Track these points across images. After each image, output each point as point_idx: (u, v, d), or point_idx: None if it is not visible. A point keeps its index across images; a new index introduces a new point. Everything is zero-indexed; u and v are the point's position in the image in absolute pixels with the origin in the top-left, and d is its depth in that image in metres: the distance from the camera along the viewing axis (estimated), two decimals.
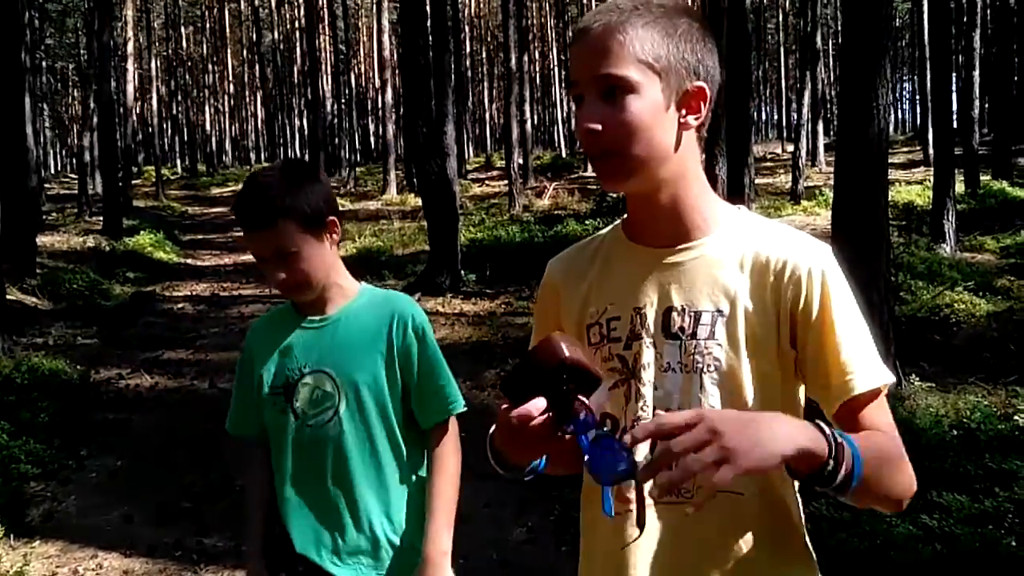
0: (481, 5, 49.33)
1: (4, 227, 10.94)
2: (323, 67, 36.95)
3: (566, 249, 1.46)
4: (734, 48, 12.59)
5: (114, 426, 6.46)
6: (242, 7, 49.01)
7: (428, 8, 11.90)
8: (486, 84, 51.46)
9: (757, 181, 18.01)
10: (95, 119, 23.22)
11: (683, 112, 1.25)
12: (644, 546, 1.27)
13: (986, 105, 25.59)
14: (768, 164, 28.10)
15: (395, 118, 29.41)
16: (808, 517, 1.35)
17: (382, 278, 11.93)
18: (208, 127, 54.51)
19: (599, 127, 1.21)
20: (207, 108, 54.87)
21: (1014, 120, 20.35)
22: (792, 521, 1.28)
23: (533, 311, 1.51)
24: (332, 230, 1.89)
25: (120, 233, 16.97)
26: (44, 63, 34.66)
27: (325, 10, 35.41)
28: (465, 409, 1.96)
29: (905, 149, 29.43)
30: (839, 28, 22.64)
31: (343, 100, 46.95)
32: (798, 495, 1.31)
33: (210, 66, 53.37)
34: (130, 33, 30.34)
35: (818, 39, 23.01)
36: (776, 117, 54.70)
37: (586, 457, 1.14)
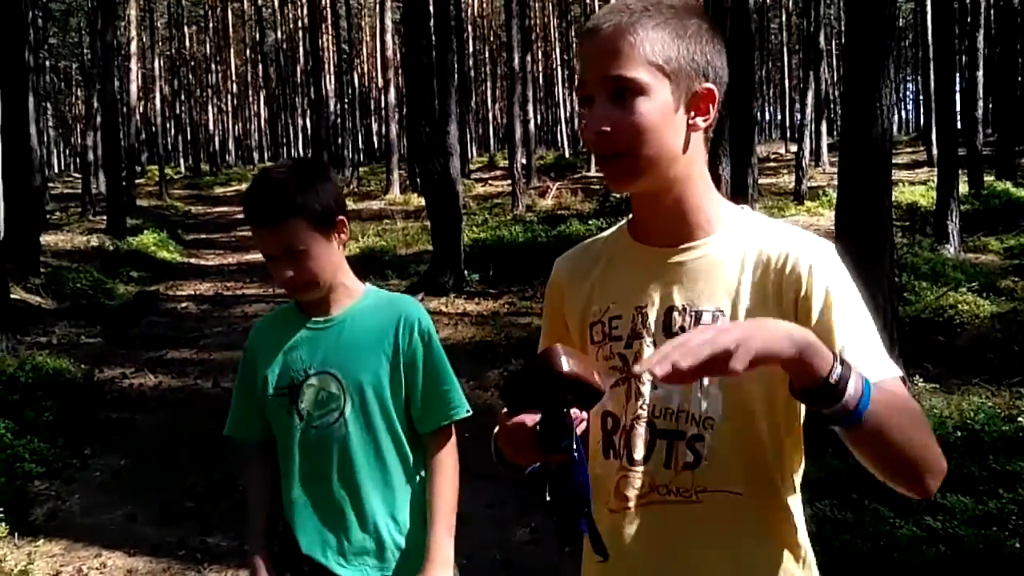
0: (484, 5, 49.33)
1: (8, 226, 10.96)
2: (326, 67, 37.03)
3: (572, 248, 1.47)
4: (737, 48, 12.57)
5: (118, 425, 6.47)
6: (245, 6, 49.05)
7: (431, 8, 11.91)
8: (489, 84, 51.45)
9: (760, 181, 18.00)
10: (98, 118, 23.24)
11: (691, 114, 1.25)
12: (645, 546, 1.27)
13: (990, 105, 25.58)
14: (771, 164, 28.08)
15: (398, 118, 29.43)
16: (811, 519, 1.35)
17: (385, 278, 11.94)
18: (211, 126, 54.57)
19: (608, 129, 1.22)
20: (210, 107, 54.92)
21: (1018, 120, 20.32)
22: (792, 522, 1.28)
23: (542, 309, 1.52)
24: (340, 230, 1.89)
25: (124, 232, 17.00)
26: (48, 62, 34.76)
27: (328, 9, 35.46)
28: (469, 414, 1.95)
29: (909, 150, 29.38)
30: (842, 28, 22.60)
31: (346, 100, 47.03)
32: (799, 494, 1.30)
33: (213, 65, 53.42)
34: (133, 32, 30.32)
35: (821, 39, 23.00)
36: (779, 117, 54.67)
37: (581, 476, 1.17)
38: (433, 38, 11.76)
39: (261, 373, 1.94)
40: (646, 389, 1.28)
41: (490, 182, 28.13)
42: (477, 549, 3.97)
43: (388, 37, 26.87)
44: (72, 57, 44.60)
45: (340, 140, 40.60)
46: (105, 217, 18.87)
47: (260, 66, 50.58)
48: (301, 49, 44.68)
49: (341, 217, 1.89)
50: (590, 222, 14.50)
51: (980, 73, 15.81)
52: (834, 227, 6.40)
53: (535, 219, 17.06)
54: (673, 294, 1.28)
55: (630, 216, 1.37)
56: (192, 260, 16.36)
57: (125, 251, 15.02)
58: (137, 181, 29.79)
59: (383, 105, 28.78)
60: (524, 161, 22.68)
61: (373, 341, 1.89)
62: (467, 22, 40.91)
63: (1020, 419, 5.01)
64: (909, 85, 54.74)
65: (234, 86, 55.92)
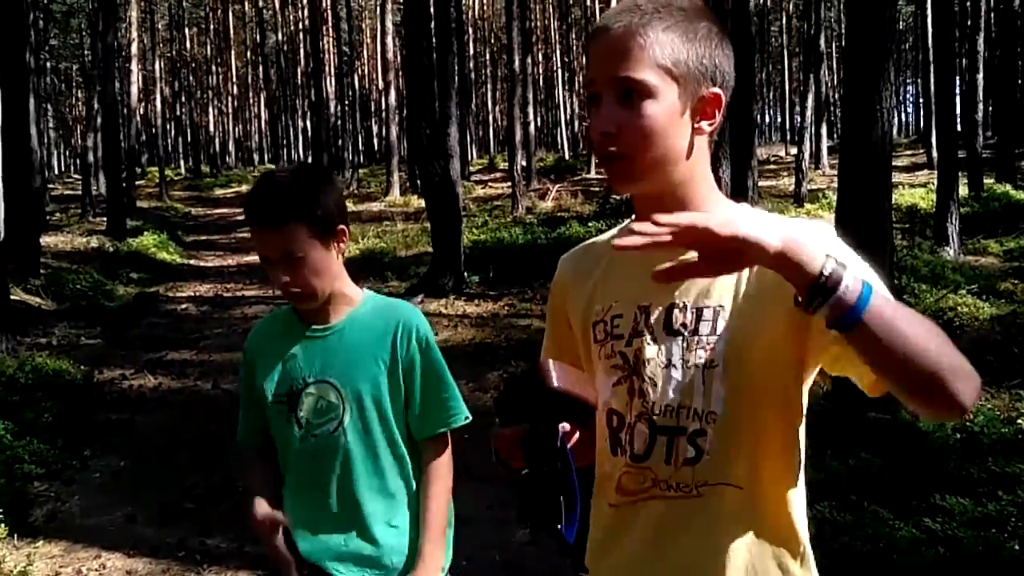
0: (485, 7, 49.37)
1: (8, 227, 10.97)
2: (327, 69, 37.03)
3: (576, 247, 1.49)
4: (737, 51, 12.48)
5: (117, 426, 6.47)
6: (246, 8, 49.09)
7: (432, 10, 11.91)
8: (489, 86, 51.47)
9: (760, 184, 18.02)
10: (99, 120, 23.24)
11: (697, 118, 1.26)
12: (645, 541, 1.28)
13: (990, 108, 25.57)
14: (771, 167, 28.09)
15: (398, 120, 29.44)
16: (811, 520, 1.35)
17: (385, 280, 11.94)
18: (212, 128, 54.58)
19: (614, 130, 1.22)
20: (211, 109, 54.94)
21: (1018, 123, 20.32)
22: (791, 517, 1.28)
23: (542, 311, 1.54)
24: (340, 239, 1.87)
25: (124, 234, 17.01)
26: (48, 64, 34.78)
27: (329, 12, 35.47)
28: (468, 421, 1.94)
29: (909, 152, 29.39)
30: (843, 31, 22.64)
31: (347, 101, 47.02)
32: (802, 489, 1.30)
33: (214, 67, 53.44)
34: (134, 34, 30.35)
35: (822, 42, 23.01)
36: (780, 120, 54.71)
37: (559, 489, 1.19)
38: (434, 40, 11.76)
39: (259, 380, 1.93)
40: (648, 387, 1.28)
41: (490, 184, 28.14)
42: (477, 550, 3.97)
43: (389, 39, 26.88)
44: (73, 58, 44.61)
45: (340, 142, 40.59)
46: (105, 218, 18.88)
47: (261, 68, 50.62)
48: (302, 51, 44.69)
49: (342, 226, 1.87)
50: (590, 224, 14.50)
51: (980, 76, 15.81)
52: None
53: (535, 221, 17.06)
54: (674, 292, 1.28)
55: (633, 217, 1.38)
56: (192, 262, 16.36)
57: (125, 252, 15.03)
58: (137, 183, 29.79)
59: (383, 107, 28.79)
60: (524, 163, 22.68)
61: (371, 349, 1.89)
62: (468, 24, 40.93)
63: (1020, 421, 5.02)
64: (909, 88, 54.79)
65: (235, 88, 55.94)
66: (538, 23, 45.67)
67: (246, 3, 48.53)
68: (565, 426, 1.23)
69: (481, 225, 16.93)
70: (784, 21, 46.73)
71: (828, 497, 4.04)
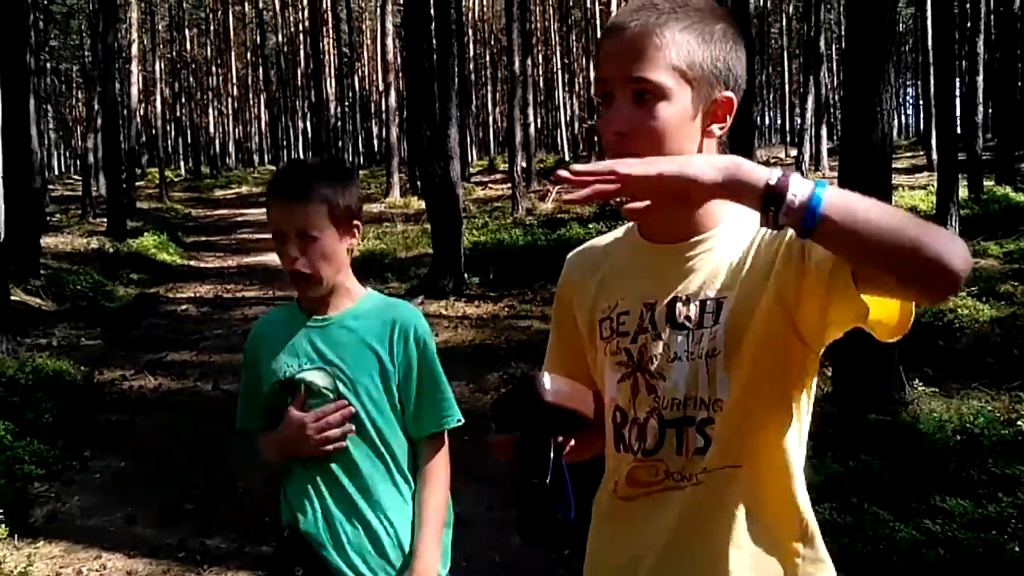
0: (485, 9, 49.39)
1: (8, 228, 10.98)
2: (327, 70, 37.06)
3: (582, 245, 1.50)
4: None
5: (118, 427, 6.47)
6: (246, 10, 49.12)
7: (432, 11, 11.91)
8: (489, 87, 51.49)
9: None
10: (99, 121, 23.26)
11: (708, 121, 1.26)
12: (661, 532, 1.28)
13: (990, 110, 25.57)
14: None
15: (399, 121, 29.45)
16: None
17: (385, 281, 11.94)
18: (212, 129, 54.60)
19: (627, 130, 1.22)
20: (211, 110, 54.96)
21: (1018, 125, 20.31)
22: (795, 497, 1.27)
23: (542, 312, 1.55)
24: (353, 233, 1.93)
25: (124, 235, 17.01)
26: (48, 65, 34.79)
27: (329, 13, 35.48)
28: (460, 424, 1.95)
29: (908, 154, 29.38)
30: (842, 33, 22.64)
31: (347, 103, 47.07)
32: (801, 470, 1.29)
33: (214, 68, 53.46)
34: (134, 35, 30.37)
35: (821, 43, 23.05)
36: (779, 121, 54.70)
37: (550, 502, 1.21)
38: (434, 42, 11.77)
39: (260, 369, 1.96)
40: (653, 382, 1.29)
41: (490, 185, 28.15)
42: (476, 552, 3.97)
43: (389, 41, 26.90)
44: (73, 59, 44.60)
45: (340, 143, 40.63)
46: (105, 219, 18.89)
47: (261, 69, 50.65)
48: (302, 52, 44.73)
49: (356, 222, 1.93)
50: (590, 226, 14.51)
51: (980, 78, 15.81)
52: None
53: (535, 223, 17.07)
54: (678, 287, 1.29)
55: None
56: (192, 263, 16.36)
57: (125, 253, 15.03)
58: (137, 183, 29.80)
59: (383, 108, 28.79)
60: (524, 165, 22.68)
61: (369, 343, 1.91)
62: (468, 26, 40.94)
63: (1019, 423, 5.02)
64: (909, 89, 54.81)
65: (235, 89, 55.97)
66: (538, 25, 45.69)
67: (246, 4, 48.56)
68: (558, 440, 1.25)
69: (481, 226, 16.94)
70: (784, 23, 46.76)
71: (828, 499, 4.04)
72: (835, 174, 9.74)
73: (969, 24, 19.31)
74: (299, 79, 48.54)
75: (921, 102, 31.93)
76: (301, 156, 47.49)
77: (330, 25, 36.78)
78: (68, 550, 4.44)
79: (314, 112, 30.75)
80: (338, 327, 1.93)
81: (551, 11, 46.43)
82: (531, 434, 1.24)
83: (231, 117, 57.42)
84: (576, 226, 14.85)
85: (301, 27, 45.20)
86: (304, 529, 1.89)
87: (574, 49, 46.85)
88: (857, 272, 1.11)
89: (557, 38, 45.78)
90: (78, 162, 47.60)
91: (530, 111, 26.16)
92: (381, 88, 33.03)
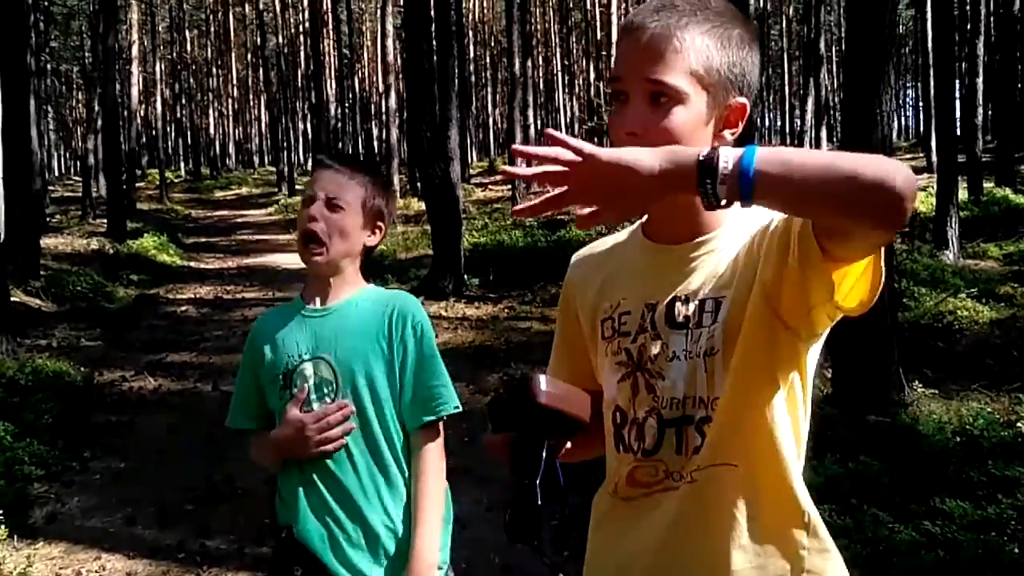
0: (485, 10, 49.39)
1: (8, 229, 10.98)
2: (327, 71, 37.07)
3: (588, 245, 1.50)
4: None
5: (117, 428, 6.47)
6: (247, 11, 49.09)
7: (432, 13, 11.92)
8: (489, 89, 51.49)
9: None
10: (99, 122, 23.29)
11: (721, 126, 1.26)
12: (661, 530, 1.28)
13: (989, 112, 25.58)
14: None
15: (399, 122, 29.44)
16: None
17: (385, 282, 11.92)
18: (212, 130, 54.59)
19: (640, 131, 1.22)
20: (211, 111, 54.95)
21: (1017, 127, 20.32)
22: (793, 488, 1.26)
23: (541, 314, 1.55)
24: (374, 231, 1.96)
25: (124, 236, 17.02)
26: (49, 66, 34.75)
27: (329, 14, 35.48)
28: (457, 411, 1.92)
29: (908, 156, 29.38)
30: (843, 34, 22.65)
31: (347, 104, 47.05)
32: (797, 462, 1.28)
33: (214, 69, 53.46)
34: (135, 36, 30.38)
35: (821, 45, 23.06)
36: (779, 123, 54.66)
37: (539, 503, 1.22)
38: (434, 43, 11.78)
39: (261, 362, 1.96)
40: (652, 381, 1.29)
41: (490, 187, 28.15)
42: (476, 553, 3.97)
43: (389, 42, 26.90)
44: (73, 60, 44.59)
45: (340, 144, 40.62)
46: (105, 220, 18.90)
47: (261, 70, 50.58)
48: (302, 53, 44.70)
49: (381, 223, 1.96)
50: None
51: (980, 80, 15.83)
52: None
53: (535, 224, 17.06)
54: (679, 287, 1.29)
55: (645, 218, 1.39)
56: (192, 264, 16.37)
57: (125, 254, 15.04)
58: (137, 184, 29.80)
59: (384, 110, 28.79)
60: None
61: (366, 330, 1.91)
62: (468, 27, 40.94)
63: (1019, 425, 5.02)
64: (909, 91, 54.80)
65: (235, 90, 55.96)
66: (538, 26, 45.69)
67: (247, 5, 48.55)
68: (552, 443, 1.25)
69: (481, 228, 16.94)
70: (784, 24, 46.74)
71: (828, 500, 4.03)
72: None
73: (969, 26, 19.32)
74: (299, 80, 48.50)
75: (921, 104, 31.95)
76: (301, 157, 47.56)
77: (330, 26, 36.78)
78: (68, 551, 4.44)
79: (314, 113, 30.75)
80: (339, 317, 1.93)
81: (551, 13, 46.42)
82: (524, 435, 1.25)
83: (231, 118, 57.41)
84: (576, 228, 14.84)
85: (301, 28, 45.17)
86: (301, 531, 1.89)
87: (574, 51, 46.85)
88: (817, 231, 1.11)
89: (557, 40, 45.78)
90: (78, 163, 47.58)
91: (530, 112, 26.20)
92: (381, 89, 33.02)
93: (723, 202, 1.06)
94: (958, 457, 4.54)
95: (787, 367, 1.26)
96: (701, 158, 1.05)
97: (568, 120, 43.41)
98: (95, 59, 25.91)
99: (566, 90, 45.93)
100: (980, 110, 16.78)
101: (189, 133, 55.72)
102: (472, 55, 45.41)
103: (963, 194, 13.83)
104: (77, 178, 39.85)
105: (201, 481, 5.31)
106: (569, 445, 1.35)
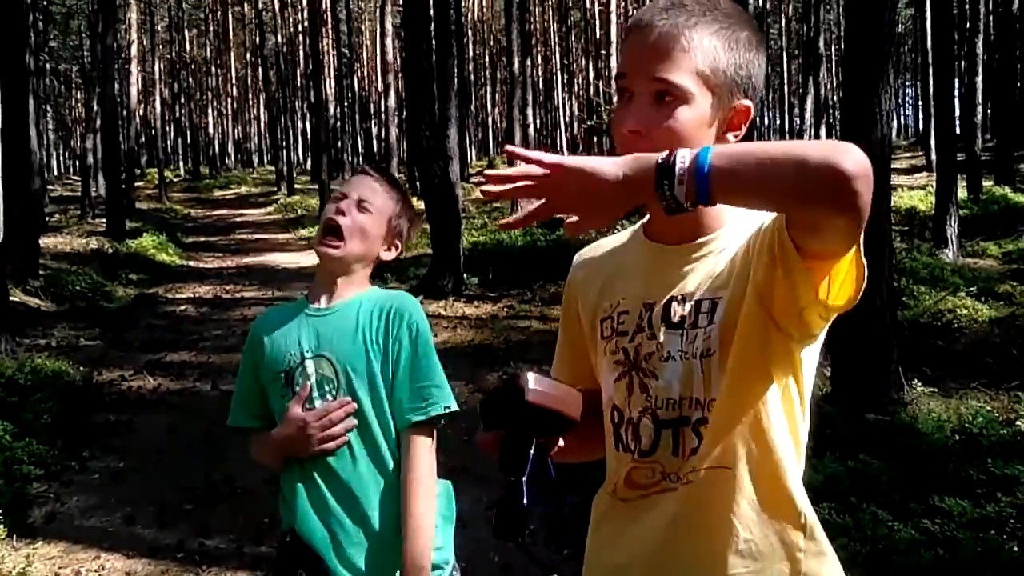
0: (484, 9, 49.39)
1: (7, 229, 10.96)
2: (326, 70, 37.05)
3: (590, 244, 1.50)
4: None
5: (116, 427, 6.47)
6: (245, 10, 49.08)
7: (431, 12, 11.92)
8: (489, 88, 51.51)
9: None
10: (98, 121, 23.28)
11: (724, 128, 1.26)
12: (658, 532, 1.28)
13: (989, 111, 25.60)
14: None
15: (398, 121, 29.48)
16: None
17: (384, 281, 11.93)
18: (211, 130, 54.59)
19: (643, 130, 1.22)
20: (210, 111, 54.95)
21: (1017, 126, 20.32)
22: (790, 490, 1.26)
23: (540, 313, 1.55)
24: (390, 246, 2.02)
25: (123, 235, 17.02)
26: (48, 65, 34.75)
27: (328, 13, 35.47)
28: (448, 412, 1.90)
29: (908, 154, 29.42)
30: (842, 33, 22.65)
31: (346, 103, 47.04)
32: (795, 464, 1.28)
33: (213, 69, 53.45)
34: (134, 36, 30.39)
35: (821, 44, 23.07)
36: (779, 122, 54.70)
37: (524, 501, 1.22)
38: (433, 42, 11.78)
39: (262, 360, 1.97)
40: (647, 381, 1.29)
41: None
42: (475, 552, 3.97)
43: (388, 41, 26.92)
44: (72, 60, 44.57)
45: (340, 143, 40.62)
46: (104, 220, 18.90)
47: (260, 69, 50.58)
48: (301, 53, 44.70)
49: (399, 242, 2.03)
50: None
51: (979, 78, 15.84)
52: None
53: (534, 223, 17.06)
54: (676, 287, 1.29)
55: (647, 218, 1.39)
56: (191, 263, 16.36)
57: (124, 254, 15.04)
58: (136, 184, 29.81)
59: (383, 109, 28.81)
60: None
61: (364, 329, 1.91)
62: (467, 26, 40.96)
63: (1018, 423, 5.02)
64: (908, 90, 54.82)
65: (234, 89, 55.95)
66: (537, 25, 45.69)
67: (246, 5, 48.54)
68: (541, 441, 1.26)
69: (480, 227, 16.95)
70: (783, 23, 46.76)
71: (827, 499, 4.04)
72: None
73: (968, 25, 19.33)
74: (298, 79, 48.49)
75: (920, 103, 31.93)
76: (300, 157, 47.56)
77: (329, 26, 36.77)
78: (67, 550, 4.44)
79: (313, 112, 30.75)
80: (341, 316, 1.94)
81: (550, 12, 46.43)
82: (513, 433, 1.25)
83: (230, 117, 57.39)
84: (565, 235, 14.82)
85: (300, 28, 45.18)
86: (302, 529, 1.89)
87: (573, 50, 46.85)
88: (790, 228, 1.11)
89: (556, 39, 45.78)
90: (77, 163, 47.58)
91: (529, 112, 26.18)
92: (380, 89, 33.04)
93: (686, 204, 1.07)
94: (957, 455, 4.54)
95: (781, 369, 1.25)
96: (659, 161, 1.07)
97: (567, 119, 43.42)
98: (94, 58, 25.90)
99: (565, 89, 45.93)
100: (979, 109, 16.78)
101: (188, 132, 55.68)
102: (471, 54, 45.41)
103: (962, 193, 13.84)
104: (76, 177, 39.85)
105: (200, 480, 5.30)
106: (561, 443, 1.34)
